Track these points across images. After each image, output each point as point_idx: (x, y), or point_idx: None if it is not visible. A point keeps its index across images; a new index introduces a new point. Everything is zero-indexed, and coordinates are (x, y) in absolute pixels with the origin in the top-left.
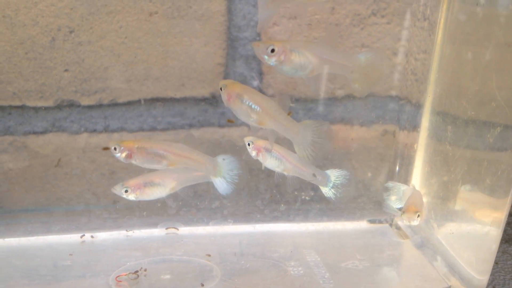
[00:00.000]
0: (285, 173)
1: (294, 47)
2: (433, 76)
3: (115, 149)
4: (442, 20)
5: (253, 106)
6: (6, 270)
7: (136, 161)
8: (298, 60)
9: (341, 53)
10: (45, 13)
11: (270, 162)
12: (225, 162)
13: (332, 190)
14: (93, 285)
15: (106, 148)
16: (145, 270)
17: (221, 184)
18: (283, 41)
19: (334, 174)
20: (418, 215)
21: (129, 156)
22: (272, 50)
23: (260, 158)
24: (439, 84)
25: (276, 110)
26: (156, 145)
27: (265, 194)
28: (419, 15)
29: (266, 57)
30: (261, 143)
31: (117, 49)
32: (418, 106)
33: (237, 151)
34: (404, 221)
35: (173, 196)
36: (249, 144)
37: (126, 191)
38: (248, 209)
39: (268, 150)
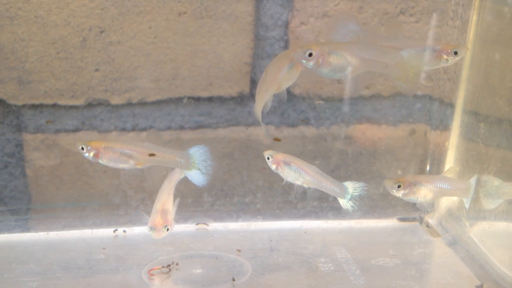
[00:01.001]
0: (305, 185)
1: (332, 49)
2: (465, 74)
3: (82, 149)
4: (474, 19)
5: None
6: (42, 262)
7: (103, 161)
8: (336, 62)
9: (382, 51)
10: (76, 13)
11: (289, 175)
12: (198, 154)
13: (350, 202)
14: (126, 278)
15: None
16: (177, 264)
17: (196, 176)
18: (321, 43)
19: (351, 186)
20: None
21: (96, 155)
22: (310, 54)
23: (280, 172)
24: (471, 82)
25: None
26: (123, 145)
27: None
28: (451, 13)
29: (304, 61)
30: (280, 156)
31: (146, 49)
32: (450, 105)
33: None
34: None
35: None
36: (268, 158)
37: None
38: (281, 205)
39: (287, 163)
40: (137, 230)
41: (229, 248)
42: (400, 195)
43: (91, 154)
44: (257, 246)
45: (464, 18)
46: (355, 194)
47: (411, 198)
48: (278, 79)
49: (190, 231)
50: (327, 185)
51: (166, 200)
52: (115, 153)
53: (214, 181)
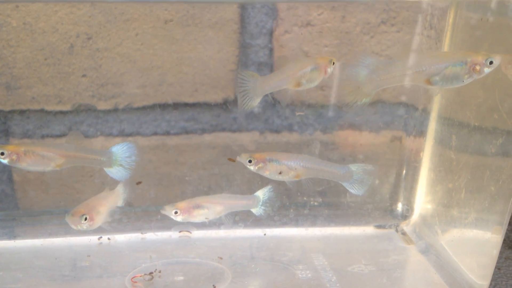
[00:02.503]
0: (296, 178)
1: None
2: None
3: (2, 154)
4: (449, 30)
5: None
6: (28, 269)
7: (22, 165)
8: (275, 168)
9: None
10: (64, 20)
11: (276, 171)
12: (121, 151)
13: (354, 184)
14: (110, 285)
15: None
16: (159, 271)
17: (118, 172)
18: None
19: (355, 168)
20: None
21: (17, 160)
22: (250, 161)
23: (264, 171)
24: (444, 95)
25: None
26: (43, 148)
27: (285, 200)
28: (426, 23)
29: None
30: (260, 155)
31: (133, 55)
32: (425, 114)
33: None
34: None
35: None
36: (250, 161)
37: (175, 213)
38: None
39: (270, 160)
40: (121, 238)
41: (210, 256)
42: (252, 169)
43: (12, 158)
44: (237, 253)
45: (439, 28)
46: (358, 176)
47: (265, 174)
48: (297, 75)
49: (173, 238)
50: (328, 171)
51: (101, 203)
52: (36, 156)
53: (198, 186)
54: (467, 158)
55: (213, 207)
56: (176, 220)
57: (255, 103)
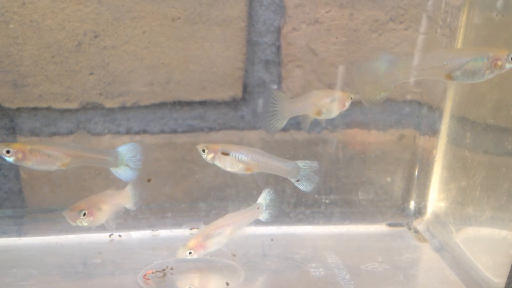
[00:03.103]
0: (248, 172)
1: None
2: (450, 84)
3: (7, 152)
4: (462, 27)
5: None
6: (40, 267)
7: (28, 164)
8: (226, 160)
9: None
10: (71, 18)
11: (229, 163)
12: (127, 151)
13: (301, 181)
14: (122, 282)
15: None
16: (172, 268)
17: (125, 172)
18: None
19: (302, 164)
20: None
21: (22, 158)
22: (203, 151)
23: (217, 161)
24: (458, 92)
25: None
26: (48, 147)
27: (291, 198)
28: (440, 21)
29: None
30: (213, 146)
31: (140, 53)
32: (438, 112)
33: None
34: None
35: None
36: (203, 151)
37: (190, 253)
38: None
39: (225, 152)
40: (132, 235)
41: (222, 253)
42: (205, 158)
43: (17, 157)
44: (250, 251)
45: (453, 26)
46: (305, 172)
47: (218, 164)
48: (319, 103)
49: (185, 235)
50: (277, 165)
51: (104, 200)
52: (42, 155)
53: (205, 184)
54: (482, 156)
55: (223, 231)
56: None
57: (281, 125)
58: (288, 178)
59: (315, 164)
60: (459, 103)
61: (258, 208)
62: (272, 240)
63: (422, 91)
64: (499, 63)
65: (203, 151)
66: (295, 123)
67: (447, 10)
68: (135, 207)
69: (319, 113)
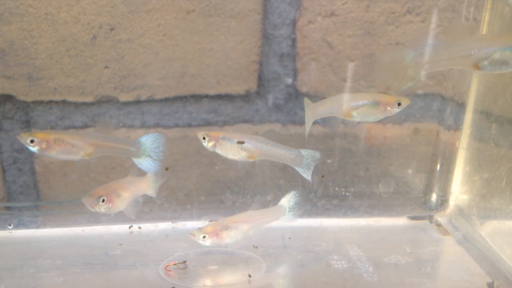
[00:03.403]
0: (250, 159)
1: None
2: (475, 78)
3: (32, 141)
4: (486, 19)
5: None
6: (59, 259)
7: (51, 153)
8: (228, 147)
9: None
10: (86, 10)
11: (231, 151)
12: (149, 141)
13: (304, 169)
14: (144, 274)
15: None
16: (193, 260)
17: (147, 163)
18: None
19: (305, 153)
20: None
21: (46, 148)
22: (204, 138)
23: (218, 149)
24: (482, 82)
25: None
26: (72, 136)
27: (316, 191)
28: (466, 13)
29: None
30: (215, 133)
31: (155, 46)
32: (462, 104)
33: None
34: None
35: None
36: (204, 138)
37: (204, 237)
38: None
39: (224, 139)
40: (152, 227)
41: (243, 245)
42: (205, 145)
43: (41, 146)
44: (270, 243)
45: (478, 19)
46: (308, 161)
47: (219, 152)
48: (349, 106)
49: None
50: (280, 153)
51: (124, 186)
52: (66, 145)
53: (219, 178)
54: (508, 147)
55: (241, 226)
56: (205, 245)
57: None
58: (292, 166)
59: (317, 154)
60: (484, 94)
61: (278, 211)
62: (289, 238)
63: (445, 84)
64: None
65: (204, 138)
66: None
67: (472, 2)
68: (155, 194)
69: (349, 115)
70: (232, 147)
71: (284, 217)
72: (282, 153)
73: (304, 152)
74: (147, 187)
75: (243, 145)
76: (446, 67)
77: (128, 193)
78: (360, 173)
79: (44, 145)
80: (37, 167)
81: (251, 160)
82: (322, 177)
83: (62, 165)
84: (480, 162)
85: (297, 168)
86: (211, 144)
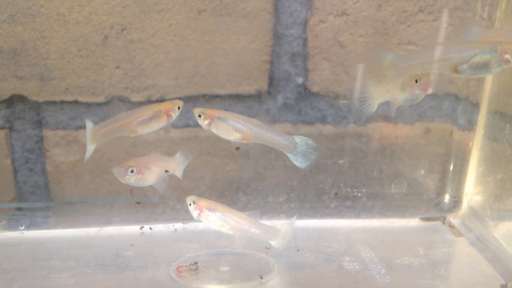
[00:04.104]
0: (244, 141)
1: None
2: (490, 77)
3: (199, 116)
4: (502, 19)
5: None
6: (71, 260)
7: (213, 130)
8: (222, 127)
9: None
10: (98, 11)
11: (225, 131)
12: (303, 141)
13: (297, 156)
14: (155, 275)
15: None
16: (204, 261)
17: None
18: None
19: (299, 140)
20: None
21: (209, 124)
22: (200, 116)
23: (213, 128)
24: (496, 82)
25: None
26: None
27: (331, 189)
28: (480, 12)
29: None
30: (211, 111)
31: (166, 46)
32: (475, 105)
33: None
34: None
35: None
36: (200, 116)
37: (190, 204)
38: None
39: (219, 118)
40: (163, 228)
41: (254, 246)
42: (200, 123)
43: (206, 122)
44: None
45: (492, 18)
46: (302, 148)
47: (214, 131)
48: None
49: (213, 229)
50: (274, 138)
51: (154, 161)
52: (227, 125)
53: (229, 178)
54: None
55: (227, 221)
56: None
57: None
58: (285, 152)
59: (310, 142)
60: (497, 94)
61: (272, 234)
62: (298, 250)
63: (461, 85)
64: (507, 57)
65: (199, 116)
66: (321, 116)
67: (486, 1)
68: (181, 175)
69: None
70: (227, 127)
71: (275, 242)
72: (275, 138)
73: (298, 139)
74: (175, 166)
75: (238, 126)
76: (424, 70)
77: (158, 168)
78: (372, 174)
79: (207, 121)
80: (49, 167)
81: (244, 142)
82: (336, 194)
83: (73, 165)
84: (494, 163)
85: (289, 155)
86: (206, 122)
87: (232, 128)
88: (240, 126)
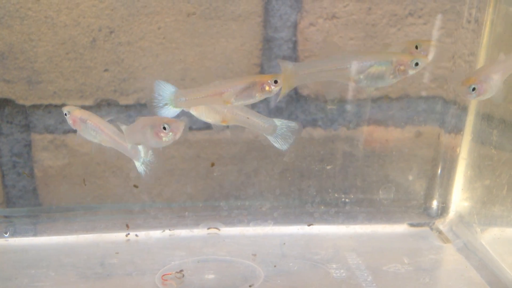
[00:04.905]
0: (223, 123)
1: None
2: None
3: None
4: (488, 22)
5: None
6: (57, 267)
7: (195, 112)
8: (201, 108)
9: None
10: (86, 13)
11: (205, 112)
12: (284, 125)
13: (277, 139)
14: (140, 283)
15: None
16: (190, 269)
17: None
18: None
19: (280, 123)
20: (474, 88)
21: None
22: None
23: (193, 110)
24: None
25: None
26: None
27: (315, 197)
28: (467, 15)
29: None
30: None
31: (155, 49)
32: (463, 109)
33: (273, 151)
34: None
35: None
36: (66, 114)
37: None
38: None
39: (83, 120)
40: (149, 234)
41: (240, 253)
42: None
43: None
44: (268, 251)
45: (480, 21)
46: (282, 131)
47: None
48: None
49: (202, 235)
50: (254, 120)
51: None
52: (207, 107)
53: (220, 182)
54: (509, 154)
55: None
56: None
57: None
58: (265, 135)
59: (293, 124)
60: (485, 99)
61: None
62: (284, 244)
63: (447, 87)
64: (402, 68)
65: (65, 115)
66: (312, 120)
67: (474, 4)
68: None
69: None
70: (207, 109)
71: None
72: (255, 121)
73: (278, 122)
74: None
75: (217, 108)
76: (323, 79)
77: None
78: (361, 178)
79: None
80: (37, 171)
81: (224, 124)
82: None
83: (61, 169)
84: (482, 169)
85: (270, 138)
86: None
87: (212, 109)
88: (220, 108)
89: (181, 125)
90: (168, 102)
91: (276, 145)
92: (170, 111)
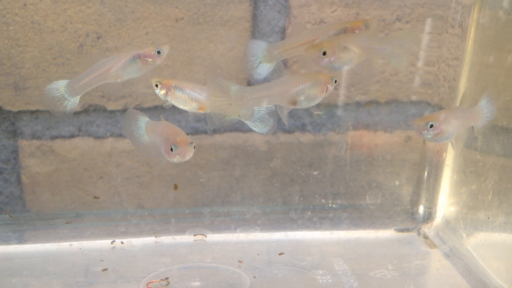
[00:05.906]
0: (201, 111)
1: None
2: (462, 85)
3: (156, 86)
4: (473, 27)
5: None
6: (40, 276)
7: (172, 101)
8: (178, 96)
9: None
10: (73, 19)
11: (182, 100)
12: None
13: (256, 123)
14: None
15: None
16: (175, 276)
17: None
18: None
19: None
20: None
21: (166, 94)
22: (324, 53)
23: (170, 98)
24: (469, 93)
25: None
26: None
27: (298, 204)
28: (451, 21)
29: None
30: (167, 81)
31: None
32: None
33: (261, 156)
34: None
35: None
36: (157, 85)
37: (156, 86)
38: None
39: (175, 88)
40: (135, 242)
41: (227, 260)
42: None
43: (162, 92)
44: (255, 257)
45: (464, 26)
46: (259, 114)
47: (171, 101)
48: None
49: (188, 242)
50: None
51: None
52: (184, 95)
53: (210, 187)
54: (494, 159)
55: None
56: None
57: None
58: (243, 120)
59: (271, 108)
60: (470, 105)
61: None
62: (271, 250)
63: (432, 92)
64: (329, 86)
65: (156, 86)
66: (301, 125)
67: (458, 9)
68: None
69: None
70: (183, 97)
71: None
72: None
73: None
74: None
75: (194, 95)
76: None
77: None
78: (348, 183)
79: (164, 91)
80: (24, 177)
81: (201, 111)
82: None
83: (49, 176)
84: (467, 174)
85: (248, 123)
86: (163, 92)
87: (188, 97)
88: (196, 95)
89: (189, 149)
90: (262, 59)
91: (255, 129)
92: (264, 68)
